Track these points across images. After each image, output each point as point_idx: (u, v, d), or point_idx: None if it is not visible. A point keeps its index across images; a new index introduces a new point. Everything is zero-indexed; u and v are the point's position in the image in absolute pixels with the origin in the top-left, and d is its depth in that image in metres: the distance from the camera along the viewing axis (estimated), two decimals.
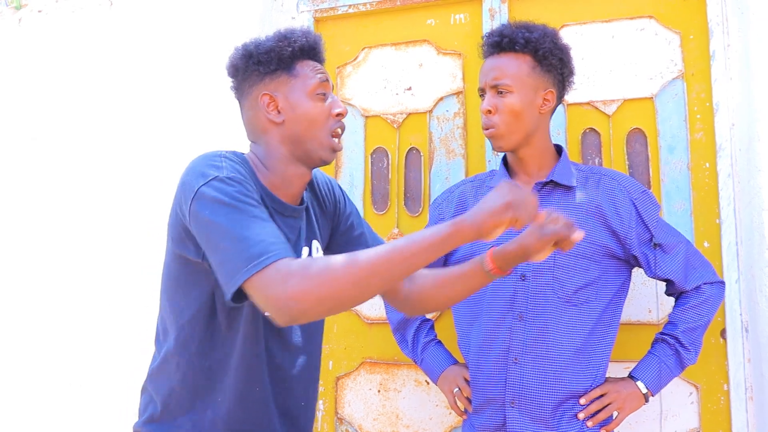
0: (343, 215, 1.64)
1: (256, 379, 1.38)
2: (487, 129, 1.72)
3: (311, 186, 1.58)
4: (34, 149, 2.65)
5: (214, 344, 1.36)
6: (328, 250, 1.64)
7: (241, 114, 1.49)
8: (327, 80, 1.45)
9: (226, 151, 1.35)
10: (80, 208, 2.55)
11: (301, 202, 1.49)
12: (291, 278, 1.12)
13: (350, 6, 2.45)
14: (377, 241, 1.66)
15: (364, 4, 2.43)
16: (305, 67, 1.43)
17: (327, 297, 1.13)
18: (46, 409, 2.52)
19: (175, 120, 2.45)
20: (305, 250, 1.48)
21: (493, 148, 1.76)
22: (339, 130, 1.45)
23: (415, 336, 1.91)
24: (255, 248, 1.15)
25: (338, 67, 2.48)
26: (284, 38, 1.42)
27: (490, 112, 1.70)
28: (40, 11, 2.71)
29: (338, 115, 1.44)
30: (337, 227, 1.64)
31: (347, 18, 2.49)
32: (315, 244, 1.52)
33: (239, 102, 1.49)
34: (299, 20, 2.50)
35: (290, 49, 1.41)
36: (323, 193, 1.61)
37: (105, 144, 2.55)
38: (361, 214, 2.38)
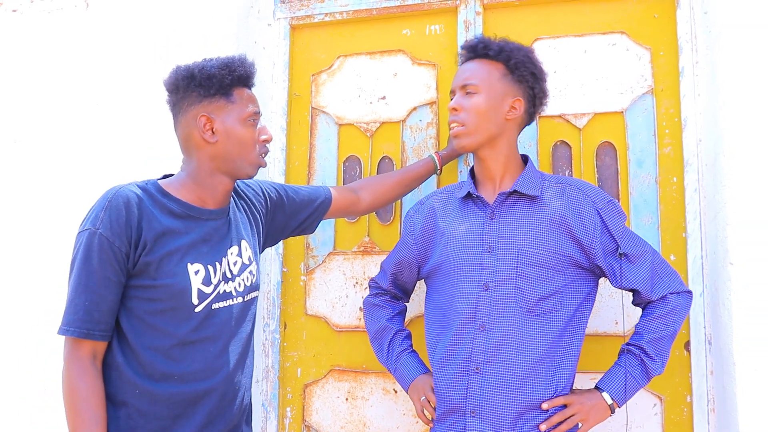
0: (278, 201, 1.89)
1: None
2: (451, 127, 1.76)
3: (239, 195, 1.80)
4: (16, 151, 2.62)
5: None
6: (283, 233, 1.93)
7: (175, 127, 1.64)
8: (258, 111, 1.65)
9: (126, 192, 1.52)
10: (59, 208, 2.52)
11: (226, 206, 1.69)
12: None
13: (326, 14, 2.46)
14: (317, 190, 1.96)
15: (341, 13, 2.44)
16: (241, 95, 1.62)
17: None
18: (26, 413, 2.48)
19: (151, 122, 2.43)
20: (234, 249, 1.68)
21: (455, 147, 1.78)
22: (264, 153, 1.67)
23: (390, 345, 1.93)
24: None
25: (313, 75, 2.48)
26: (225, 66, 1.59)
27: (455, 110, 1.74)
28: (14, 11, 2.69)
29: (264, 140, 1.65)
30: (282, 211, 1.89)
31: (323, 26, 2.49)
32: (243, 243, 1.72)
33: (174, 115, 1.64)
34: (275, 27, 2.50)
35: (230, 77, 1.59)
36: (249, 196, 1.82)
37: (81, 145, 2.52)
38: (334, 223, 2.39)
